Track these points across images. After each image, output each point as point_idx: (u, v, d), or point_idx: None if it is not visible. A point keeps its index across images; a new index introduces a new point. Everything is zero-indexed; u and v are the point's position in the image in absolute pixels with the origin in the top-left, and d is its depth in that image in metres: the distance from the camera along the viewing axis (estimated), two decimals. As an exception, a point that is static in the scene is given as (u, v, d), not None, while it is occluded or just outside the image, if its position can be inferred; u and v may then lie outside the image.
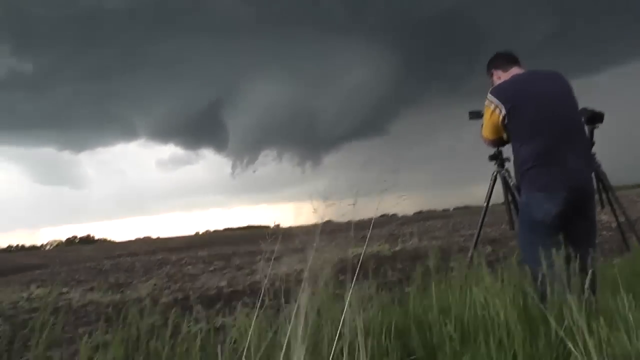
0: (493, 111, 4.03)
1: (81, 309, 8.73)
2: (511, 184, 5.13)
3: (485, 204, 5.53)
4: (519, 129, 3.97)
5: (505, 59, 4.36)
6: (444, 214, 52.70)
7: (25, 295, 11.72)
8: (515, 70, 4.24)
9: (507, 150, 4.62)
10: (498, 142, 4.40)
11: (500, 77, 4.31)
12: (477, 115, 5.16)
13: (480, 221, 5.64)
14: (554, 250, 3.19)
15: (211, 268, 13.70)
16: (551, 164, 3.82)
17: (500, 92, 4.05)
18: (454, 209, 72.03)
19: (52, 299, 10.25)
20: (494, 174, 5.36)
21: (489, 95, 4.07)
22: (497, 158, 5.27)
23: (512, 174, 5.16)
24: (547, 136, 3.85)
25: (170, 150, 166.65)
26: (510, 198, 5.28)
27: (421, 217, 51.72)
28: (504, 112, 3.96)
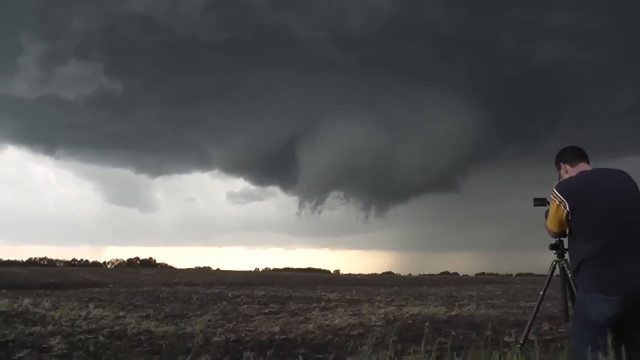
0: (558, 206, 4.09)
1: (135, 337, 8.90)
2: (569, 275, 5.06)
3: (541, 293, 5.45)
4: (581, 226, 4.00)
5: (573, 154, 4.41)
6: (506, 279, 51.68)
7: (83, 314, 12.04)
8: (582, 167, 4.29)
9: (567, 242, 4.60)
10: (561, 234, 4.46)
11: (568, 171, 4.36)
12: (541, 202, 5.17)
13: (535, 309, 5.55)
14: (601, 353, 3.16)
15: (266, 310, 13.76)
16: (610, 264, 3.80)
17: (566, 189, 4.12)
18: (517, 274, 70.70)
19: (108, 323, 10.51)
20: (553, 264, 5.30)
21: (555, 191, 4.15)
22: (558, 248, 5.21)
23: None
24: (608, 237, 3.85)
25: (241, 184, 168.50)
26: (567, 289, 5.19)
27: (482, 279, 50.87)
28: (568, 208, 4.01)
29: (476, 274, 77.75)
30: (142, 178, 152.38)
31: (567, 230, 4.19)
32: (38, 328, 9.59)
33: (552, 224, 4.31)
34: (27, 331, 9.19)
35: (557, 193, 4.11)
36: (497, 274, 74.93)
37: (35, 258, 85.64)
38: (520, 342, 5.51)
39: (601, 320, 3.74)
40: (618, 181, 4.09)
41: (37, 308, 13.30)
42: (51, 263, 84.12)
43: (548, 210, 4.44)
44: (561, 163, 4.45)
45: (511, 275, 71.40)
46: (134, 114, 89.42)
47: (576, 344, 3.97)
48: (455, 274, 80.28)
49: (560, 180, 4.38)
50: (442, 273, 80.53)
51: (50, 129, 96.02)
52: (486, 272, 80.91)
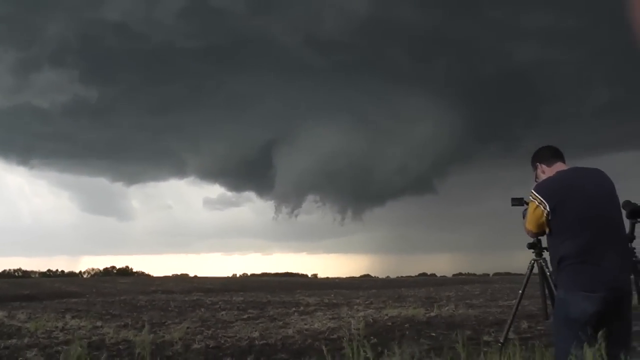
0: (537, 207, 4.11)
1: (114, 347, 8.81)
2: (548, 273, 5.09)
3: (520, 292, 5.50)
4: (561, 225, 4.03)
5: (550, 154, 4.44)
6: (484, 279, 51.92)
7: (60, 325, 11.90)
8: (559, 166, 4.32)
9: (545, 240, 4.63)
10: (540, 234, 4.50)
11: (545, 171, 4.39)
12: (519, 202, 5.22)
13: (514, 308, 5.61)
14: (585, 348, 3.19)
15: (245, 316, 13.71)
16: (590, 262, 3.85)
17: (545, 190, 4.14)
18: (494, 274, 71.10)
19: (86, 333, 10.40)
20: (532, 262, 5.34)
21: (534, 192, 4.17)
22: (536, 247, 5.25)
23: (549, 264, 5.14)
24: (588, 235, 3.90)
25: (217, 190, 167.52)
26: (546, 287, 5.23)
27: (460, 280, 51.06)
28: (547, 209, 4.03)
29: (454, 275, 78.13)
30: (118, 186, 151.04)
31: (547, 230, 4.20)
32: (14, 341, 9.47)
33: (531, 224, 4.32)
34: (2, 344, 9.08)
35: (536, 194, 4.14)
36: (474, 274, 75.31)
37: (9, 270, 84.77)
38: (501, 340, 5.54)
39: (583, 318, 3.78)
40: (595, 180, 4.14)
41: (13, 320, 13.14)
42: (26, 274, 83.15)
43: (526, 210, 4.48)
44: (537, 163, 4.48)
45: (488, 274, 71.79)
46: (110, 122, 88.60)
47: (557, 342, 4.04)
48: (433, 275, 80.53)
49: (537, 180, 4.42)
50: (420, 274, 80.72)
51: (24, 138, 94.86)
52: (464, 273, 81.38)
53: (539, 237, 5.10)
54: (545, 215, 4.06)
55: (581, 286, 3.84)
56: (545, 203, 4.04)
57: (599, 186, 4.10)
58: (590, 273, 3.84)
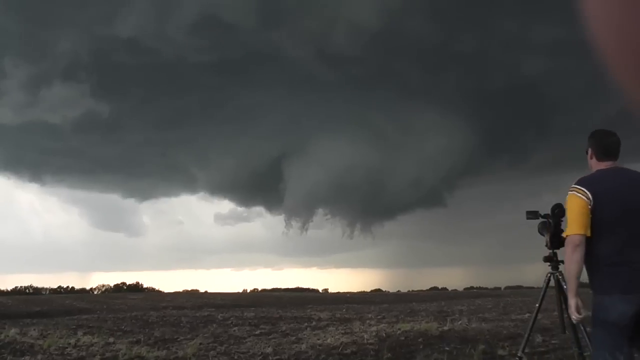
0: (581, 199, 4.00)
1: (127, 363, 8.82)
2: (564, 287, 5.07)
3: (537, 305, 5.47)
4: (599, 224, 3.96)
5: (602, 149, 4.23)
6: (495, 293, 51.71)
7: (72, 341, 11.90)
8: (606, 164, 4.18)
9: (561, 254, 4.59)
10: (585, 235, 4.03)
11: (592, 165, 4.27)
12: (534, 215, 5.19)
13: (531, 322, 5.57)
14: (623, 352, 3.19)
15: (257, 332, 13.66)
16: (627, 263, 3.84)
17: (587, 184, 4.05)
18: (505, 287, 70.90)
19: (99, 350, 10.40)
20: (548, 276, 5.31)
21: (577, 185, 4.08)
22: (552, 260, 5.23)
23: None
24: (625, 235, 3.88)
25: (228, 205, 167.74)
26: (562, 300, 5.21)
27: (472, 293, 50.90)
28: (592, 204, 3.95)
29: (465, 289, 77.84)
30: (130, 202, 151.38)
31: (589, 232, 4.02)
32: (27, 358, 9.47)
33: (576, 224, 4.03)
34: (16, 362, 9.09)
35: (580, 187, 4.04)
36: (486, 288, 75.04)
37: (20, 287, 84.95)
38: (519, 355, 5.51)
39: (623, 321, 3.77)
40: (634, 181, 4.09)
41: (25, 337, 13.13)
42: (37, 291, 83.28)
43: (543, 224, 4.41)
44: (590, 149, 4.30)
45: (500, 288, 71.55)
46: (122, 137, 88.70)
47: (595, 346, 4.02)
48: (444, 289, 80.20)
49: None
50: (431, 288, 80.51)
51: (36, 155, 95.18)
52: (475, 286, 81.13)
53: (555, 251, 5.08)
54: (590, 209, 3.95)
55: (619, 288, 3.83)
56: (590, 197, 3.95)
57: (637, 187, 4.05)
58: (627, 274, 3.83)
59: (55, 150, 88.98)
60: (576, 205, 4.03)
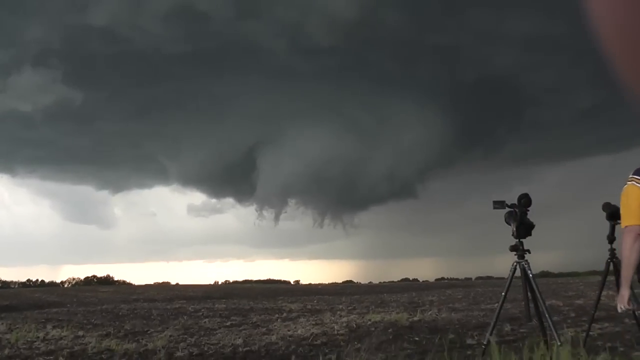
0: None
1: (96, 356, 8.74)
2: (530, 276, 5.12)
3: (503, 294, 5.52)
4: None
5: None
6: (466, 283, 52.19)
7: (41, 335, 11.77)
8: None
9: (527, 243, 4.64)
10: None
11: None
12: (501, 205, 5.23)
13: (497, 311, 5.62)
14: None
15: (228, 323, 13.64)
16: None
17: None
18: (476, 278, 71.66)
19: (68, 343, 10.30)
20: (514, 265, 5.36)
21: (635, 176, 4.03)
22: (518, 249, 5.28)
23: (531, 265, 5.17)
24: None
25: (200, 197, 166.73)
26: (528, 289, 5.27)
27: (442, 284, 51.27)
28: None
29: (436, 279, 78.60)
30: (104, 194, 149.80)
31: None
32: (-6, 352, 9.36)
33: (633, 214, 3.97)
34: (-18, 356, 8.97)
35: (639, 177, 4.00)
36: (457, 279, 75.89)
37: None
38: (484, 343, 5.57)
39: None
40: None
41: (-7, 331, 12.98)
42: (5, 285, 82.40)
43: (509, 214, 4.43)
44: None
45: (471, 279, 72.42)
46: (94, 126, 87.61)
47: None
48: (416, 280, 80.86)
49: None
50: (402, 280, 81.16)
51: (6, 144, 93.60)
52: (446, 277, 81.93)
53: (522, 240, 5.13)
54: None
55: None
56: None
57: None
58: None
59: (26, 139, 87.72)
60: (637, 195, 3.98)
